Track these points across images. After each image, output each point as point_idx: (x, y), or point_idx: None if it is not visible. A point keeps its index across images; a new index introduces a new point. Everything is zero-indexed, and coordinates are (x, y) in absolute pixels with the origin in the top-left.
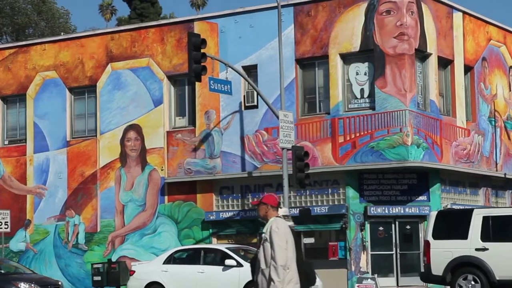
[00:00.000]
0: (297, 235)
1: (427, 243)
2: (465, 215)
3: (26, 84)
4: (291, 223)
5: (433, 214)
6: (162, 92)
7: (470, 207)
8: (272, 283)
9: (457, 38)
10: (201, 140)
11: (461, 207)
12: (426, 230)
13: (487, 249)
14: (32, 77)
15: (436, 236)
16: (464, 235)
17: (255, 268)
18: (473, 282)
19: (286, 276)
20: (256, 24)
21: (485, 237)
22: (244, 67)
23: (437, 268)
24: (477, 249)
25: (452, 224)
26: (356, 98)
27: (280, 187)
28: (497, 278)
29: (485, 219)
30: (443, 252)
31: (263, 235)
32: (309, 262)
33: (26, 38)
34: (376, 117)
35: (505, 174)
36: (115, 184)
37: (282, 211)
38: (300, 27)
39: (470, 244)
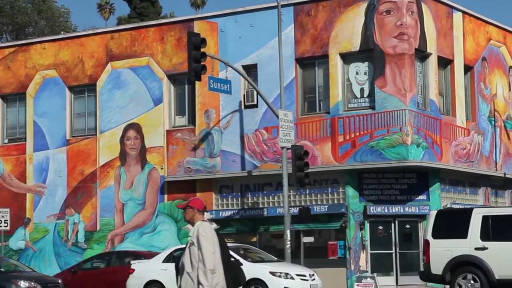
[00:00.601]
0: (222, 237)
1: (426, 242)
2: (465, 214)
3: (26, 82)
4: (214, 225)
5: (433, 213)
6: (162, 91)
7: (470, 207)
8: (200, 286)
9: (457, 38)
10: (201, 139)
11: (461, 207)
12: (426, 229)
13: (487, 248)
14: (32, 75)
15: (435, 235)
16: (463, 235)
17: (178, 270)
18: (472, 281)
19: (213, 279)
20: (256, 23)
21: (484, 236)
22: (244, 67)
23: (437, 267)
24: (476, 249)
25: (452, 224)
26: (356, 97)
27: (280, 186)
28: (497, 278)
29: (485, 218)
30: (442, 251)
31: (189, 238)
32: (237, 262)
33: (26, 37)
34: (376, 116)
35: (504, 174)
36: (115, 182)
37: (205, 215)
38: (300, 27)
39: (470, 244)
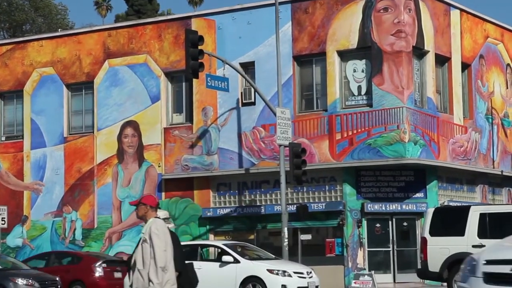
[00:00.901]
0: (175, 236)
1: (424, 240)
2: (462, 212)
3: (23, 80)
4: (171, 225)
5: (430, 211)
6: (159, 88)
7: (467, 204)
8: (151, 283)
9: (455, 35)
10: (198, 137)
11: (458, 204)
12: (423, 227)
13: (484, 246)
14: (29, 73)
15: (433, 233)
16: (461, 232)
17: (130, 267)
18: None
19: (164, 276)
20: (254, 21)
21: (482, 234)
22: (241, 64)
23: (434, 264)
24: (474, 246)
25: (449, 221)
26: (354, 95)
27: (277, 184)
28: None
29: (482, 216)
30: (440, 249)
31: (141, 235)
32: (190, 264)
33: (23, 34)
34: (373, 114)
35: (502, 171)
36: (112, 180)
37: (162, 213)
38: (298, 24)
39: (467, 241)
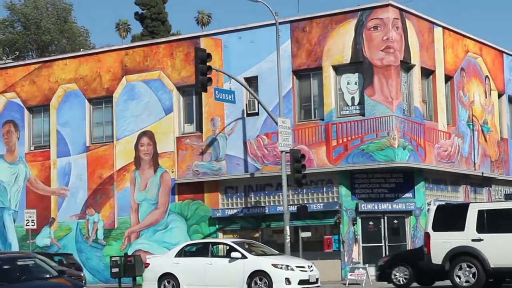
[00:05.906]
0: None
1: (427, 235)
2: (462, 209)
3: (49, 95)
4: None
5: (433, 208)
6: (172, 101)
7: (466, 202)
8: None
9: (438, 50)
10: (208, 145)
11: (443, 203)
12: (427, 223)
13: (482, 239)
14: (55, 89)
15: (435, 228)
16: (461, 227)
17: None
18: (468, 269)
19: None
20: (257, 39)
21: (480, 229)
22: (246, 78)
23: (437, 257)
24: (473, 240)
25: (450, 217)
26: (348, 105)
27: (280, 187)
28: (492, 266)
29: (480, 212)
30: (442, 243)
31: None
32: None
33: (49, 54)
34: (366, 122)
35: (482, 173)
36: (130, 185)
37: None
38: (296, 42)
39: (467, 235)
